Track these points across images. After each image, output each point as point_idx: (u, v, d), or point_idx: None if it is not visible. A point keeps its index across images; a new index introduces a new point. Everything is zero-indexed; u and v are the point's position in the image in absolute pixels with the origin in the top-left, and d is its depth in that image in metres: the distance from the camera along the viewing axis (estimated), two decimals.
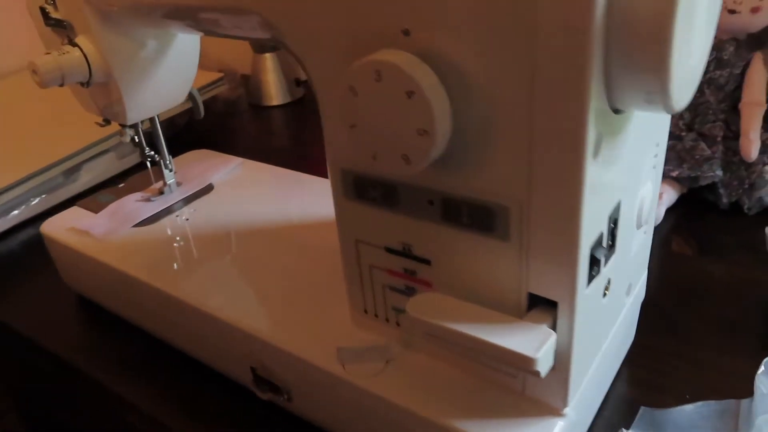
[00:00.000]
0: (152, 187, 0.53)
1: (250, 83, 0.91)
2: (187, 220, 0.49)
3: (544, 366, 0.25)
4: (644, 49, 0.20)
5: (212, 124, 0.88)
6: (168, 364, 0.43)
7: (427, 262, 0.29)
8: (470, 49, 0.23)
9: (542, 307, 0.27)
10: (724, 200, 0.53)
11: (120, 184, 0.55)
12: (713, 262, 0.47)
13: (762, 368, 0.35)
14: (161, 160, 0.51)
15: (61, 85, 0.41)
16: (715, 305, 0.43)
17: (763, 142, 0.53)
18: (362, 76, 0.24)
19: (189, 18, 0.36)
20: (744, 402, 0.33)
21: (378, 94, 0.24)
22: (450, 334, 0.26)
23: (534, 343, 0.25)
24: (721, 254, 0.48)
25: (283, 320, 0.37)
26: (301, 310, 0.37)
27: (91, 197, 0.53)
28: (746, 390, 0.34)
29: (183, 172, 0.55)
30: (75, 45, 0.41)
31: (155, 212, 0.50)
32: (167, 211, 0.50)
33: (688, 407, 0.33)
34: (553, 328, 0.26)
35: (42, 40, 0.46)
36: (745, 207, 0.53)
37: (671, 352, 0.39)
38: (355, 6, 0.25)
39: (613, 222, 0.27)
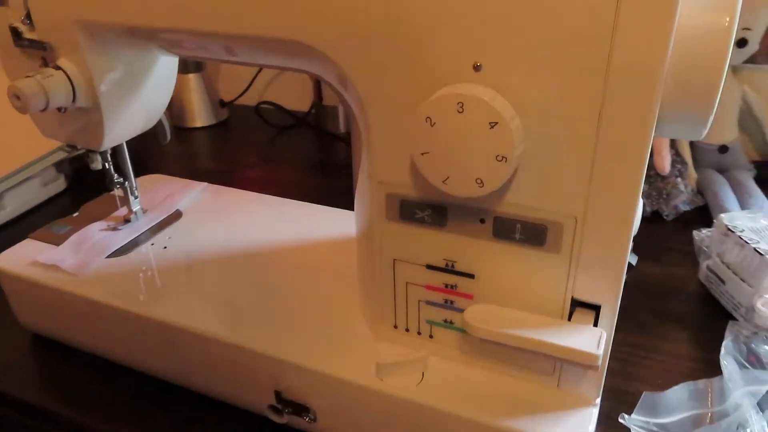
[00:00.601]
0: (115, 215, 0.51)
1: (173, 104, 0.88)
2: (166, 248, 0.47)
3: (601, 360, 0.28)
4: (697, 92, 0.25)
5: (136, 146, 0.84)
6: (161, 399, 0.41)
7: (470, 276, 0.32)
8: (543, 83, 0.26)
9: (583, 309, 0.30)
10: (647, 209, 0.61)
11: (74, 213, 0.51)
12: (651, 264, 0.55)
13: (723, 350, 0.41)
14: (128, 187, 0.49)
15: (44, 110, 0.38)
16: (664, 301, 0.50)
17: (672, 158, 0.62)
18: (443, 107, 0.26)
19: (211, 44, 0.35)
20: (714, 380, 0.39)
21: (459, 124, 0.26)
22: (514, 339, 0.29)
23: (593, 341, 0.28)
24: (656, 257, 0.56)
25: (305, 341, 0.37)
26: (319, 330, 0.38)
27: (44, 228, 0.49)
28: (709, 371, 0.41)
29: (145, 198, 0.52)
30: (57, 68, 0.39)
31: (127, 241, 0.48)
32: (137, 239, 0.48)
33: (672, 390, 0.39)
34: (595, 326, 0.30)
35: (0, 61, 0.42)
36: (664, 214, 0.61)
37: (639, 345, 0.45)
38: (426, 42, 0.27)
39: None
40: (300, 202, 0.54)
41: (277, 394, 0.37)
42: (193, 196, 0.54)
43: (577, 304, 0.30)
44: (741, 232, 0.50)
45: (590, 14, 0.24)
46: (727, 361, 0.40)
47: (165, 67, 0.44)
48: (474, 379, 0.34)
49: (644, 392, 0.38)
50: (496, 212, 0.30)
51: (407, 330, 0.36)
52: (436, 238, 0.32)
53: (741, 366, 0.40)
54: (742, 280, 0.47)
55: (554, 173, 0.28)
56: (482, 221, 0.30)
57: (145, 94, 0.43)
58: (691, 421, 0.38)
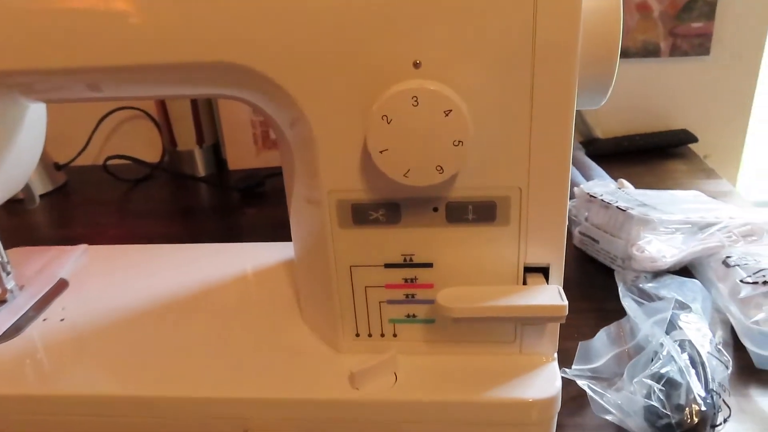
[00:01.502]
0: None
1: None
2: (63, 320, 0.42)
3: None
4: (602, 62, 0.29)
5: None
6: None
7: (429, 265, 0.34)
8: (479, 71, 0.29)
9: (533, 274, 0.34)
10: None
11: None
12: None
13: (621, 295, 0.48)
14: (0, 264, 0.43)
15: None
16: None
17: None
18: (398, 103, 0.28)
19: (77, 82, 0.33)
20: (623, 321, 0.45)
21: (415, 117, 0.28)
22: (491, 310, 0.31)
23: (555, 295, 0.31)
24: None
25: (264, 374, 0.36)
26: (274, 359, 0.37)
27: None
28: (617, 316, 0.46)
29: (18, 273, 0.46)
30: None
31: (10, 324, 0.42)
32: (23, 319, 0.42)
33: (595, 338, 0.44)
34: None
35: None
36: None
37: None
38: (367, 45, 0.28)
39: None
40: (192, 244, 0.52)
41: None
42: (73, 261, 0.49)
43: (527, 270, 0.33)
44: (601, 196, 0.57)
45: (513, 3, 0.27)
46: (627, 302, 0.47)
47: (35, 115, 0.40)
48: (444, 366, 0.35)
49: (579, 342, 0.42)
50: (448, 198, 0.32)
51: (370, 335, 0.36)
52: (391, 235, 0.33)
53: (639, 304, 0.46)
54: (612, 235, 0.55)
55: (498, 151, 0.30)
56: (435, 210, 0.32)
57: (20, 148, 0.39)
58: (614, 360, 0.43)
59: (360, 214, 0.32)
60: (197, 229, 0.69)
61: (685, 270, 0.54)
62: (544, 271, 0.33)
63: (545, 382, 0.34)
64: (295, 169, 0.34)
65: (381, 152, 0.29)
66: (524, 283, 0.34)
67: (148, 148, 0.86)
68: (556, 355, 0.36)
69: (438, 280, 0.34)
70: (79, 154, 0.84)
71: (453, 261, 0.33)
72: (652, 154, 0.81)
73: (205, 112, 0.82)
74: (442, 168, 0.29)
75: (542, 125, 0.30)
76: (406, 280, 0.34)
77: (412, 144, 0.28)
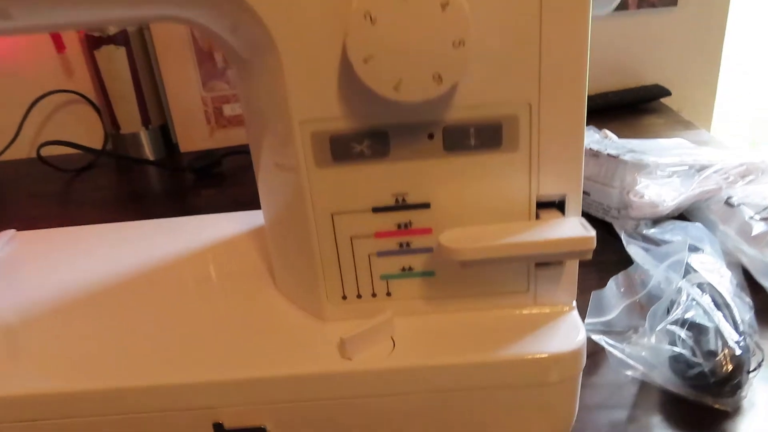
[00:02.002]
0: None
1: None
2: None
3: None
4: None
5: None
6: None
7: (425, 206, 0.28)
8: None
9: (546, 210, 0.29)
10: None
11: None
12: None
13: (625, 243, 0.43)
14: None
15: None
16: None
17: None
18: None
19: None
20: (630, 270, 0.41)
21: (405, 12, 0.23)
22: (506, 249, 0.26)
23: (579, 227, 0.27)
24: None
25: (238, 353, 0.30)
26: (248, 336, 0.31)
27: None
28: (623, 265, 0.42)
29: None
30: None
31: None
32: None
33: (606, 288, 0.39)
34: None
35: None
36: None
37: None
38: None
39: None
40: (140, 221, 0.45)
41: (218, 428, 0.29)
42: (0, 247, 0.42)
43: (539, 206, 0.29)
44: (588, 145, 0.54)
45: None
46: (633, 250, 0.43)
47: None
48: (448, 326, 0.30)
49: (592, 292, 0.38)
50: (446, 122, 0.27)
51: (359, 296, 0.31)
52: (379, 172, 0.28)
53: (646, 250, 0.42)
54: (604, 185, 0.51)
55: (503, 58, 0.25)
56: (431, 137, 0.27)
57: None
58: (625, 312, 0.39)
59: (340, 148, 0.27)
60: (149, 216, 0.62)
61: (681, 217, 0.50)
62: (559, 206, 0.29)
63: (566, 335, 0.29)
64: (262, 111, 0.28)
65: (365, 61, 0.24)
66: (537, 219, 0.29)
67: (88, 135, 0.78)
68: (575, 303, 0.31)
69: (436, 223, 0.29)
70: (8, 146, 0.75)
71: (453, 199, 0.28)
72: (626, 110, 0.78)
73: (149, 90, 0.75)
74: (440, 76, 0.24)
75: (554, 24, 0.25)
76: (399, 226, 0.29)
77: (403, 48, 0.23)
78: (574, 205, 0.28)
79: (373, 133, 0.27)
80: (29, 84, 0.75)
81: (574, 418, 0.31)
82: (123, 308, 0.34)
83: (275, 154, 0.29)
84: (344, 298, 0.31)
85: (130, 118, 0.74)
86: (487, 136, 0.27)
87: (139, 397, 0.29)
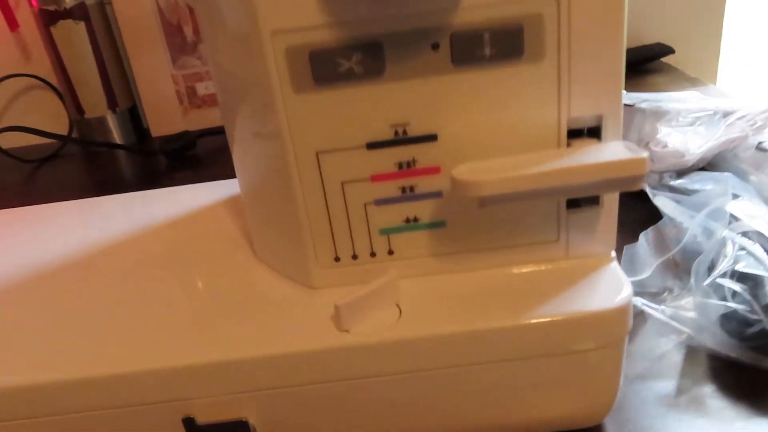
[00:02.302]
0: None
1: None
2: None
3: None
4: None
5: None
6: None
7: (431, 138, 0.23)
8: None
9: (579, 139, 0.24)
10: None
11: None
12: None
13: (651, 195, 0.38)
14: None
15: None
16: None
17: None
18: None
19: None
20: (659, 225, 0.36)
21: None
22: (539, 179, 0.21)
23: (625, 150, 0.22)
24: None
25: (212, 334, 0.24)
26: (215, 312, 0.26)
27: None
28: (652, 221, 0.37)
29: None
30: None
31: None
32: None
33: (637, 244, 0.34)
34: None
35: None
36: None
37: None
38: None
39: None
40: (102, 197, 0.40)
41: (189, 423, 0.24)
42: None
43: (571, 135, 0.23)
44: None
45: None
46: (661, 202, 0.37)
47: None
48: (464, 287, 0.25)
49: (624, 246, 0.33)
50: (453, 27, 0.21)
51: (355, 257, 0.25)
52: (373, 96, 0.22)
53: (676, 201, 0.37)
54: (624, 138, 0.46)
55: None
56: (435, 47, 0.21)
57: None
58: (659, 271, 0.34)
59: (323, 67, 0.22)
60: None
61: (704, 170, 0.45)
62: (594, 133, 0.24)
63: (607, 292, 0.24)
64: (225, 26, 0.23)
65: None
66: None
67: (52, 123, 0.72)
68: (614, 254, 0.26)
69: (445, 159, 0.23)
70: None
71: (465, 126, 0.23)
72: (628, 71, 0.73)
73: (114, 70, 0.69)
74: None
75: None
76: (400, 166, 0.23)
77: None
78: (613, 129, 0.23)
79: (365, 46, 0.21)
80: None
81: (618, 392, 0.26)
82: (81, 289, 0.29)
83: (244, 83, 0.23)
84: (337, 260, 0.25)
85: (95, 102, 0.68)
86: (504, 42, 0.21)
87: (90, 390, 0.23)
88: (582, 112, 0.23)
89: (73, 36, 0.65)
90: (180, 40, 0.68)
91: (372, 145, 0.23)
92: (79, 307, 0.27)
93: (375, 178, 0.24)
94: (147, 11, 0.66)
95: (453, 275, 0.25)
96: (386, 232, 0.25)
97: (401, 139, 0.23)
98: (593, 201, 0.24)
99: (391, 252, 0.25)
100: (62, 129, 0.71)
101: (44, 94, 0.72)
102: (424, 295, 0.25)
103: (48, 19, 0.64)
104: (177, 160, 0.64)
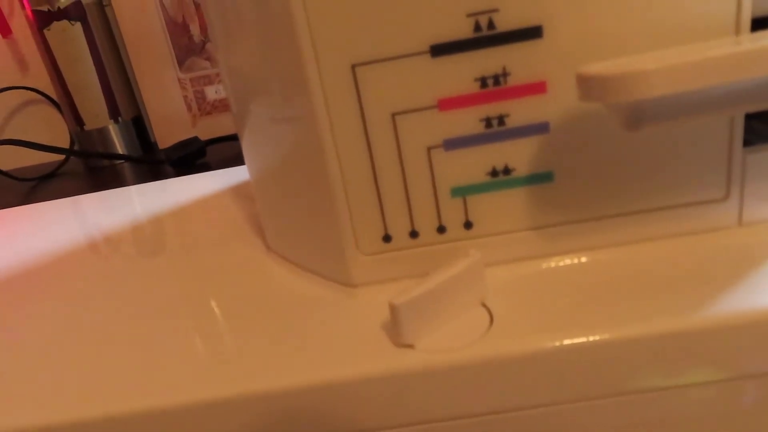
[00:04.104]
0: None
1: None
2: None
3: None
4: None
5: None
6: None
7: (533, 32, 0.14)
8: None
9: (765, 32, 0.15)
10: None
11: None
12: None
13: None
14: None
15: None
16: None
17: None
18: None
19: None
20: None
21: None
22: (738, 62, 0.12)
23: None
24: None
25: (210, 361, 0.16)
26: (218, 333, 0.17)
27: None
28: None
29: None
30: None
31: None
32: None
33: None
34: None
35: None
36: None
37: None
38: None
39: None
40: (96, 193, 0.32)
41: None
42: None
43: (756, 24, 0.15)
44: None
45: None
46: None
47: None
48: (587, 276, 0.16)
49: None
50: None
51: (414, 234, 0.16)
52: None
53: None
54: None
55: None
56: None
57: None
58: None
59: None
60: None
61: None
62: None
63: None
64: None
65: None
66: None
67: (50, 137, 0.65)
68: None
69: (555, 67, 0.15)
70: None
71: (588, 13, 0.14)
72: None
73: (116, 77, 0.62)
74: None
75: None
76: (483, 83, 0.15)
77: None
78: None
79: None
80: None
81: None
82: (76, 306, 0.20)
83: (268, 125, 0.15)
84: (387, 239, 0.17)
85: (95, 112, 0.62)
86: None
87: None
88: None
89: (69, 38, 0.59)
90: (186, 40, 0.61)
91: (439, 49, 0.14)
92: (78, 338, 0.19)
93: (444, 104, 0.15)
94: (150, 9, 0.60)
95: (565, 258, 0.17)
96: (462, 192, 0.16)
97: (485, 37, 0.14)
98: None
99: (469, 224, 0.16)
100: (62, 145, 0.64)
101: (41, 108, 0.66)
102: (525, 289, 0.16)
103: (41, 21, 0.57)
104: (185, 169, 0.56)
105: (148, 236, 0.24)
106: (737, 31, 0.14)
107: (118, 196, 0.30)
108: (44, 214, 0.30)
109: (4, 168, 0.61)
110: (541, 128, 0.15)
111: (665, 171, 0.16)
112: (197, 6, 0.61)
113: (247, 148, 0.20)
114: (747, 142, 0.16)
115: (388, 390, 0.14)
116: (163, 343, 0.17)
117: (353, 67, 0.15)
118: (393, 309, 0.14)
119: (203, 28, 0.61)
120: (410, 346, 0.14)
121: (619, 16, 0.14)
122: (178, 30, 0.61)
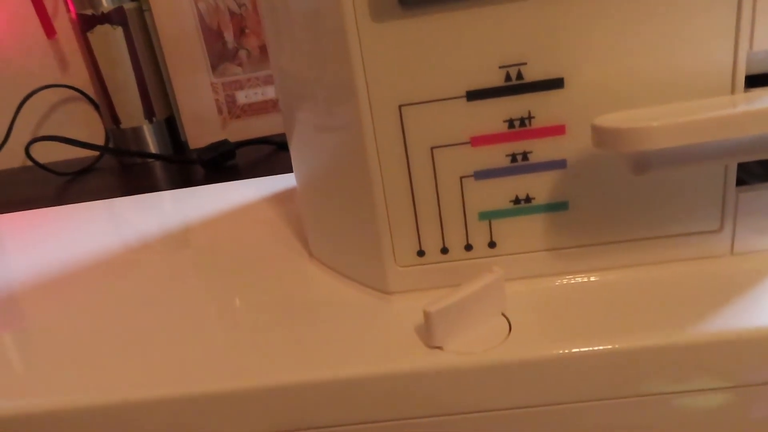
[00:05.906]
0: None
1: None
2: None
3: None
4: None
5: None
6: None
7: (556, 84, 0.17)
8: None
9: (759, 89, 0.17)
10: None
11: None
12: None
13: None
14: None
15: None
16: None
17: None
18: None
19: None
20: None
21: None
22: (733, 123, 0.14)
23: None
24: None
25: (254, 354, 0.18)
26: (278, 329, 0.20)
27: None
28: None
29: None
30: None
31: None
32: None
33: None
34: None
35: None
36: None
37: None
38: None
39: None
40: (135, 196, 0.35)
41: None
42: None
43: (750, 81, 0.17)
44: None
45: None
46: None
47: None
48: (596, 294, 0.18)
49: None
50: None
51: (445, 250, 0.19)
52: (477, 22, 0.16)
53: None
54: None
55: None
56: None
57: None
58: None
59: None
60: None
61: None
62: None
63: None
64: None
65: None
66: None
67: (86, 134, 0.68)
68: None
69: (574, 113, 0.17)
70: None
71: (604, 68, 0.17)
72: None
73: (152, 77, 0.65)
74: None
75: None
76: (511, 124, 0.17)
77: None
78: None
79: None
80: (17, 78, 0.66)
81: None
82: (117, 313, 0.23)
83: (311, 15, 0.18)
84: (421, 254, 0.19)
85: (131, 111, 0.65)
86: None
87: (132, 416, 0.17)
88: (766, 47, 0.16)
89: (110, 41, 0.62)
90: (220, 46, 0.64)
91: (474, 95, 0.17)
92: (114, 340, 0.21)
93: (476, 140, 0.17)
94: (187, 16, 0.63)
95: (576, 277, 0.19)
96: (488, 216, 0.18)
97: (515, 86, 0.17)
98: None
99: (493, 244, 0.19)
100: (98, 142, 0.67)
101: (80, 105, 0.69)
102: (539, 303, 0.18)
103: (85, 24, 0.61)
104: (215, 170, 0.59)
105: (202, 241, 0.27)
106: (733, 86, 0.17)
107: (166, 199, 0.33)
108: (92, 214, 0.33)
109: (43, 161, 0.64)
110: (560, 164, 0.18)
111: (667, 205, 0.18)
112: (232, 14, 0.64)
113: (296, 154, 0.22)
114: (740, 181, 0.18)
115: (420, 385, 0.16)
116: (222, 338, 0.19)
117: (400, 107, 0.17)
118: (427, 315, 0.17)
119: (236, 35, 0.64)
120: (440, 348, 0.17)
121: (630, 72, 0.17)
122: (212, 36, 0.63)
